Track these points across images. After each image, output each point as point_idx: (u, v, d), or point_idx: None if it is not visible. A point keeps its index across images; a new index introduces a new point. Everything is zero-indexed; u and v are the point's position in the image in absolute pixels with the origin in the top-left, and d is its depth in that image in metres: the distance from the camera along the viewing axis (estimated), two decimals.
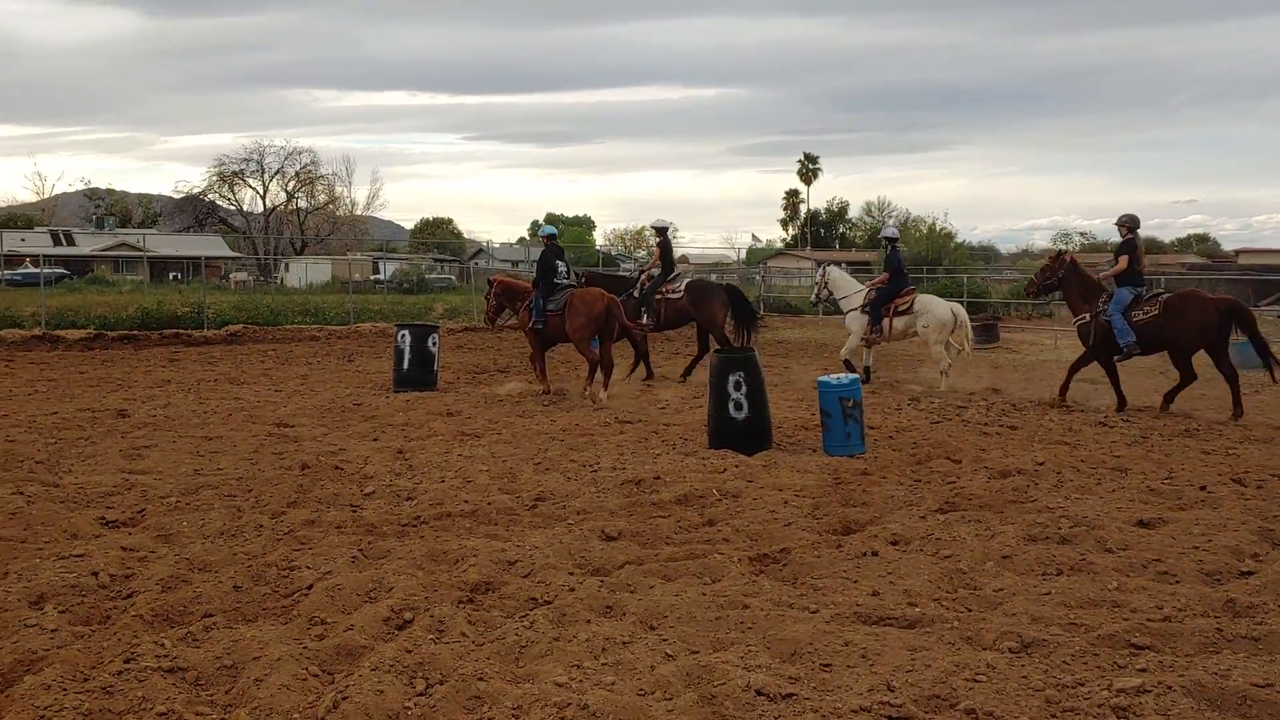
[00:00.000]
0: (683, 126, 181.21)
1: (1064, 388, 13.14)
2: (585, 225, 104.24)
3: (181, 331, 24.45)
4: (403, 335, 14.37)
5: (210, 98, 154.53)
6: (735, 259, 60.81)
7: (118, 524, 6.92)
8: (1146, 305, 12.43)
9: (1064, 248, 16.19)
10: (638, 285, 16.31)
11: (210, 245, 69.25)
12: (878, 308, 15.22)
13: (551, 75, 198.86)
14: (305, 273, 55.34)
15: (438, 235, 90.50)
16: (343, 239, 72.82)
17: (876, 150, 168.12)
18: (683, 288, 15.97)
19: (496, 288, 14.75)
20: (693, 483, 8.02)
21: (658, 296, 15.92)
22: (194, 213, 75.65)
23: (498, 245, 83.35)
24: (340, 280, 44.80)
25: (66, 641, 4.50)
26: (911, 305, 15.10)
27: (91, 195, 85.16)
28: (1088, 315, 12.80)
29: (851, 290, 15.98)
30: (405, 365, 14.30)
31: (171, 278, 54.15)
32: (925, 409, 12.71)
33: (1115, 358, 12.67)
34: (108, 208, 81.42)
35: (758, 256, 72.88)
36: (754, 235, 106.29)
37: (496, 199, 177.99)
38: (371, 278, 54.34)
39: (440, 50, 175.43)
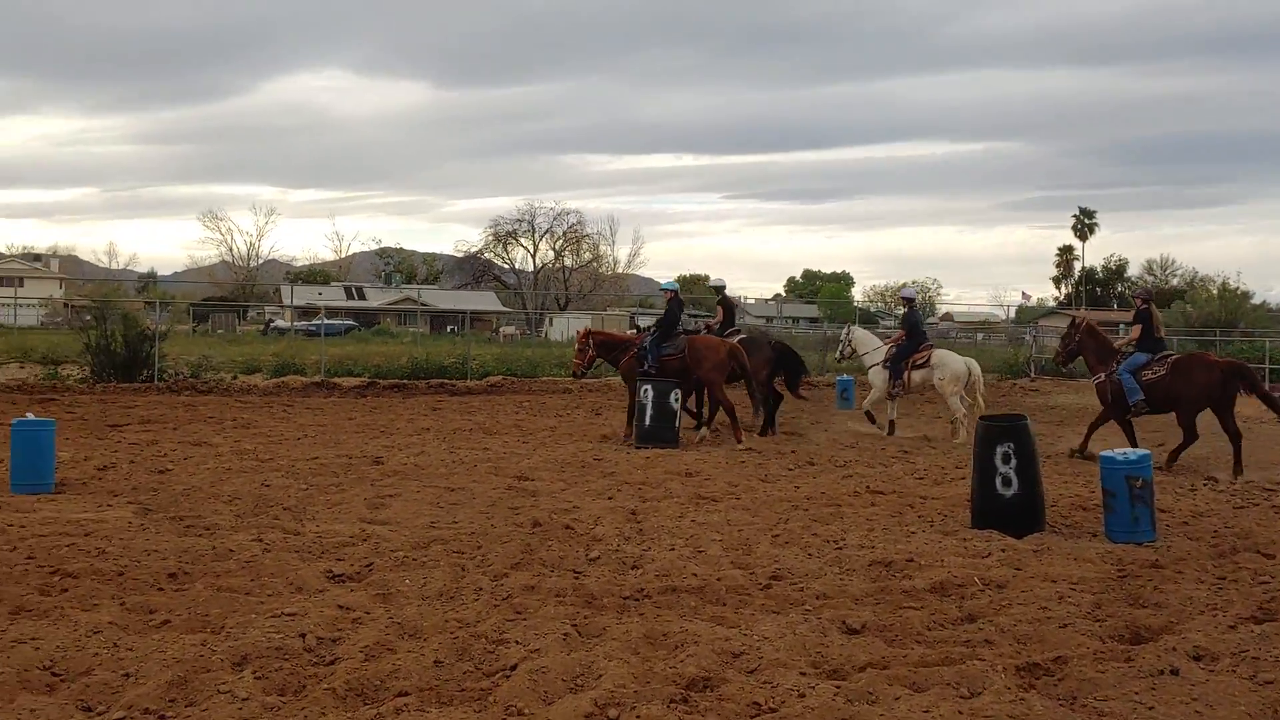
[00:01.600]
0: (947, 182, 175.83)
1: (1083, 444, 13.73)
2: (844, 281, 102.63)
3: (446, 381, 25.41)
4: (645, 390, 14.05)
5: (492, 163, 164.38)
6: (1004, 317, 57.78)
7: (343, 578, 6.79)
8: (1156, 366, 13.27)
9: (1075, 315, 18.25)
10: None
11: (484, 300, 73.05)
12: (897, 363, 16.38)
13: (813, 133, 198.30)
14: (567, 327, 57.06)
15: (695, 291, 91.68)
16: (604, 295, 74.90)
17: (1159, 205, 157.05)
18: (734, 341, 16.54)
19: (593, 339, 15.77)
20: (951, 568, 7.09)
21: None
22: (471, 270, 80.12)
23: (751, 301, 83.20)
24: None
25: (254, 714, 4.24)
26: (929, 360, 16.31)
27: (382, 254, 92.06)
28: (1103, 375, 13.74)
29: (873, 347, 17.33)
30: (647, 421, 13.96)
31: (449, 330, 57.31)
32: (1225, 491, 11.05)
33: (1127, 415, 13.48)
34: (395, 265, 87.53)
35: (1028, 315, 69.05)
36: (1024, 293, 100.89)
37: (753, 256, 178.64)
38: (629, 331, 55.47)
39: (706, 113, 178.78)
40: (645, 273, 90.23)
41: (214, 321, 62.41)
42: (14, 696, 4.39)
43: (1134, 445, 12.32)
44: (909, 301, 18.34)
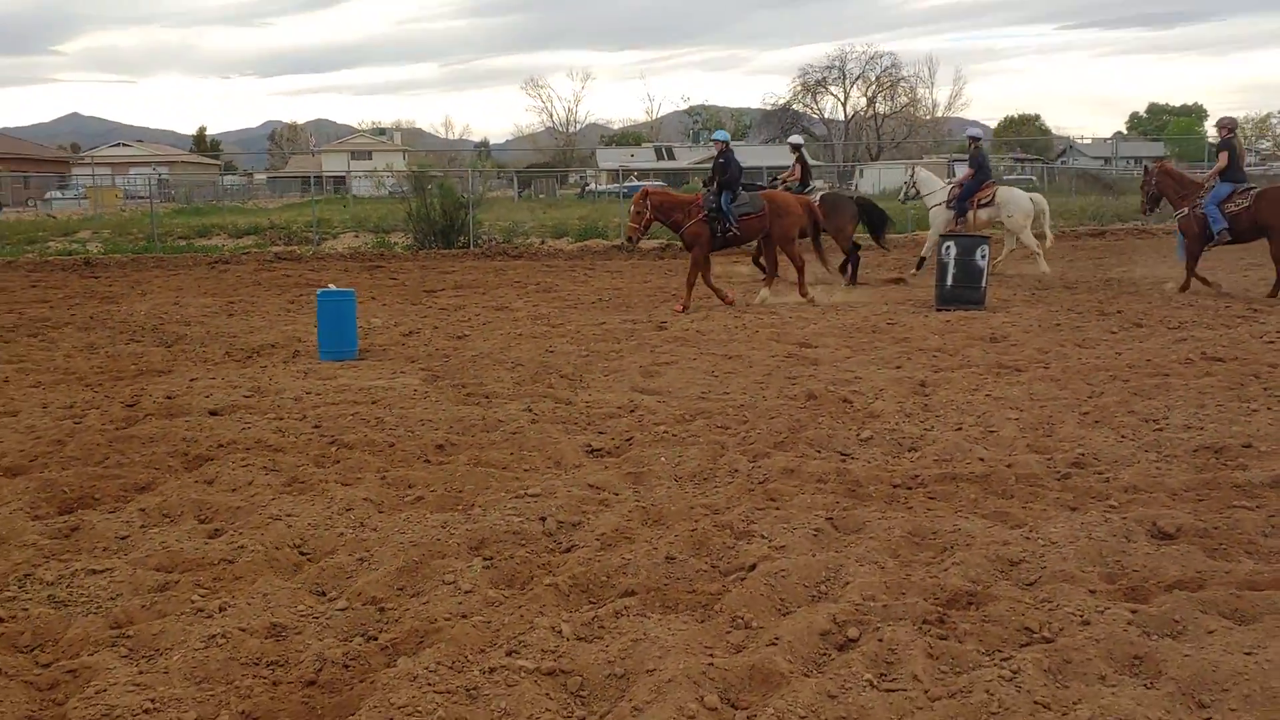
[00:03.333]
0: None
1: (1186, 282, 14.06)
2: (1195, 115, 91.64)
3: None
4: (946, 248, 12.91)
5: (803, 8, 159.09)
6: None
7: (602, 452, 6.60)
8: (1240, 198, 13.43)
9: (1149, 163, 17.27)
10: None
11: (789, 155, 71.39)
12: (963, 202, 16.44)
13: None
14: (879, 178, 54.71)
15: (1023, 133, 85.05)
16: (920, 141, 71.07)
17: None
18: (817, 200, 16.38)
19: (652, 199, 13.99)
20: None
21: None
22: (779, 123, 78.39)
23: (1088, 141, 76.08)
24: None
25: (472, 610, 4.05)
26: (993, 198, 16.40)
27: (690, 113, 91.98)
28: (1186, 209, 13.99)
29: (936, 187, 17.31)
30: (949, 280, 12.86)
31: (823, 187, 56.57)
32: None
33: (1208, 245, 13.92)
34: (704, 123, 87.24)
35: None
36: None
37: (1093, 91, 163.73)
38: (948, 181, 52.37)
39: None
40: (970, 114, 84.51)
41: (535, 187, 65.10)
42: (259, 575, 4.47)
43: (1191, 274, 14.00)
44: (975, 140, 18.02)
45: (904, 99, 75.71)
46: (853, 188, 18.12)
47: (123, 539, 4.97)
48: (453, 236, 24.05)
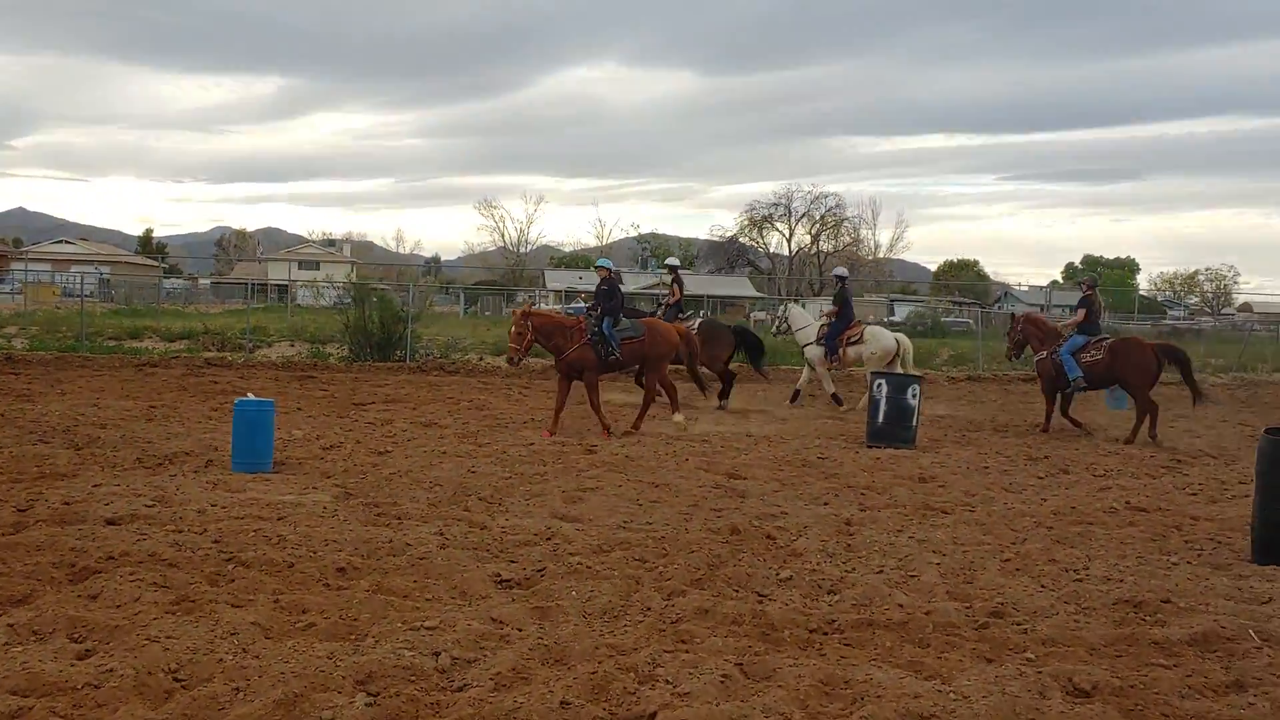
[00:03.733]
0: (1256, 160, 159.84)
1: (1045, 426, 15.27)
2: (1128, 269, 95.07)
3: (679, 368, 24.91)
4: (879, 385, 12.99)
5: (755, 148, 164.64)
6: None
7: (511, 583, 6.33)
8: (1093, 349, 14.79)
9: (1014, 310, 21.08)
10: (659, 312, 17.95)
11: (737, 285, 72.65)
12: (832, 340, 17.46)
13: (1102, 110, 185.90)
14: (817, 313, 55.66)
15: (961, 277, 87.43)
16: (862, 281, 72.73)
17: None
18: (696, 326, 17.45)
19: (533, 320, 13.68)
20: (1219, 615, 5.82)
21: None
22: (726, 255, 79.93)
23: (1025, 288, 78.40)
24: None
25: None
26: (861, 336, 17.40)
27: (640, 239, 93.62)
28: (1045, 353, 15.22)
29: (807, 324, 18.24)
30: (880, 418, 12.89)
31: (701, 314, 57.23)
32: None
33: (1065, 390, 15.13)
34: (652, 250, 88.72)
35: None
36: None
37: (1030, 241, 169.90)
38: (886, 319, 53.34)
39: (983, 90, 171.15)
40: (909, 258, 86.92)
41: (483, 304, 65.21)
42: (123, 703, 4.14)
43: (1049, 416, 15.27)
44: (841, 279, 19.17)
45: (847, 238, 77.75)
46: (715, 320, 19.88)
47: None
48: (389, 350, 23.82)
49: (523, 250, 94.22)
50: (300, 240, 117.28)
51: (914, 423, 13.03)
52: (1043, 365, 15.36)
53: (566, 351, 13.48)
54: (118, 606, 5.46)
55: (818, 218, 75.73)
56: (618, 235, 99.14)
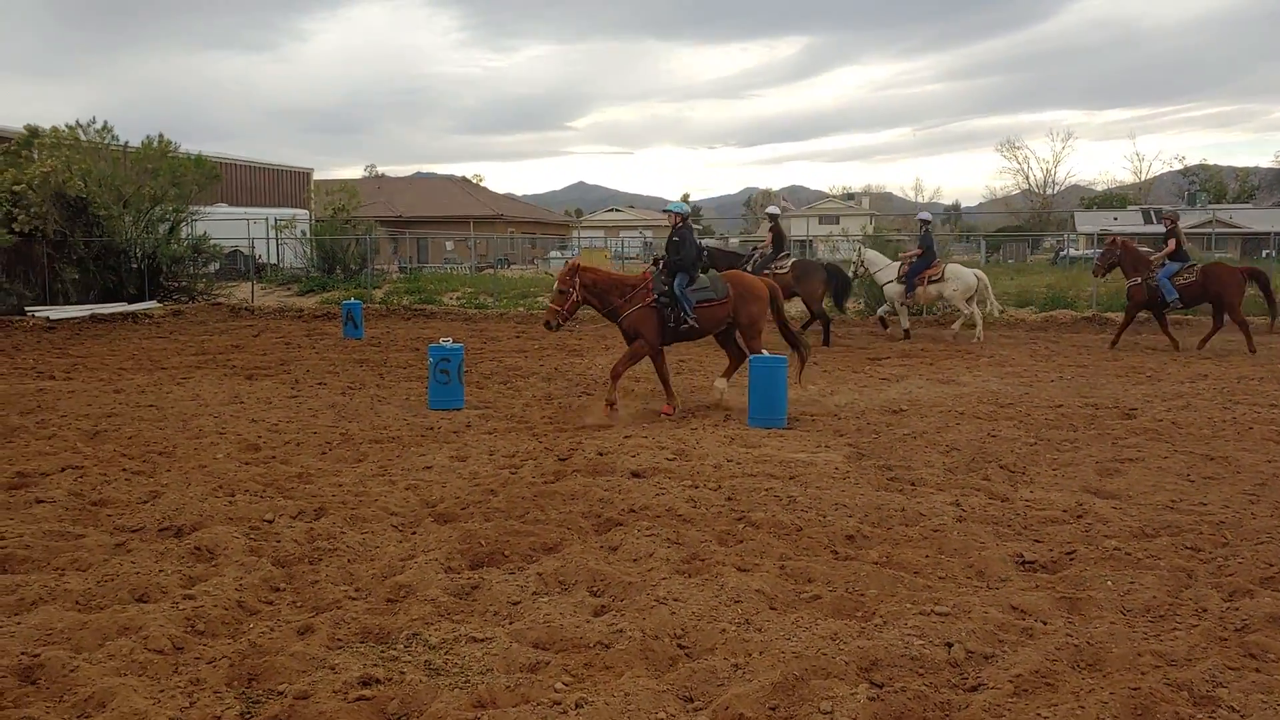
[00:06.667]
0: None
1: (1115, 340, 17.58)
2: None
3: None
4: None
5: None
6: None
7: (1034, 566, 5.70)
8: (1186, 273, 16.77)
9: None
10: (750, 261, 18.36)
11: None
12: (912, 278, 18.74)
13: None
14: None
15: None
16: None
17: None
18: (788, 265, 18.41)
19: (584, 277, 11.01)
20: None
21: (766, 272, 17.27)
22: None
23: None
24: None
25: None
26: (942, 274, 18.70)
27: (1185, 173, 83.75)
28: (1139, 279, 17.05)
29: (884, 264, 19.57)
30: None
31: (1264, 254, 49.75)
32: None
33: (1164, 310, 17.25)
34: (1201, 183, 78.99)
35: None
36: None
37: None
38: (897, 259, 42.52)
39: None
40: None
41: (1004, 251, 62.14)
42: (629, 667, 4.21)
43: (1170, 334, 17.32)
44: (925, 223, 20.03)
45: None
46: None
47: (514, 605, 4.96)
48: None
49: (1049, 192, 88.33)
50: (821, 196, 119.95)
51: None
52: (1135, 290, 17.17)
53: (624, 314, 11.13)
54: (634, 561, 5.66)
55: None
56: (1158, 169, 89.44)
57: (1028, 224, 75.77)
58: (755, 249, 19.81)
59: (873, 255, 20.40)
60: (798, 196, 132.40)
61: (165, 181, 26.40)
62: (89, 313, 23.34)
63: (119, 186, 25.71)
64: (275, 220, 32.02)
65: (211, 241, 28.01)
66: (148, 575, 5.39)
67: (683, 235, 11.29)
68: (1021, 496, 7.22)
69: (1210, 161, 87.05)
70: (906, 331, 19.23)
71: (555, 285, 11.17)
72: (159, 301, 25.72)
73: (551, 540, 6.06)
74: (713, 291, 11.23)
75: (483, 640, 4.44)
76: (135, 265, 26.00)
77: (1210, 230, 61.90)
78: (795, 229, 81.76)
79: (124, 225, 25.84)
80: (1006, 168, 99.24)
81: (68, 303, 24.34)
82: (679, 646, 4.48)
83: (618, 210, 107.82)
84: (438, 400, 11.20)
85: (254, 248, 30.97)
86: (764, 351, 10.90)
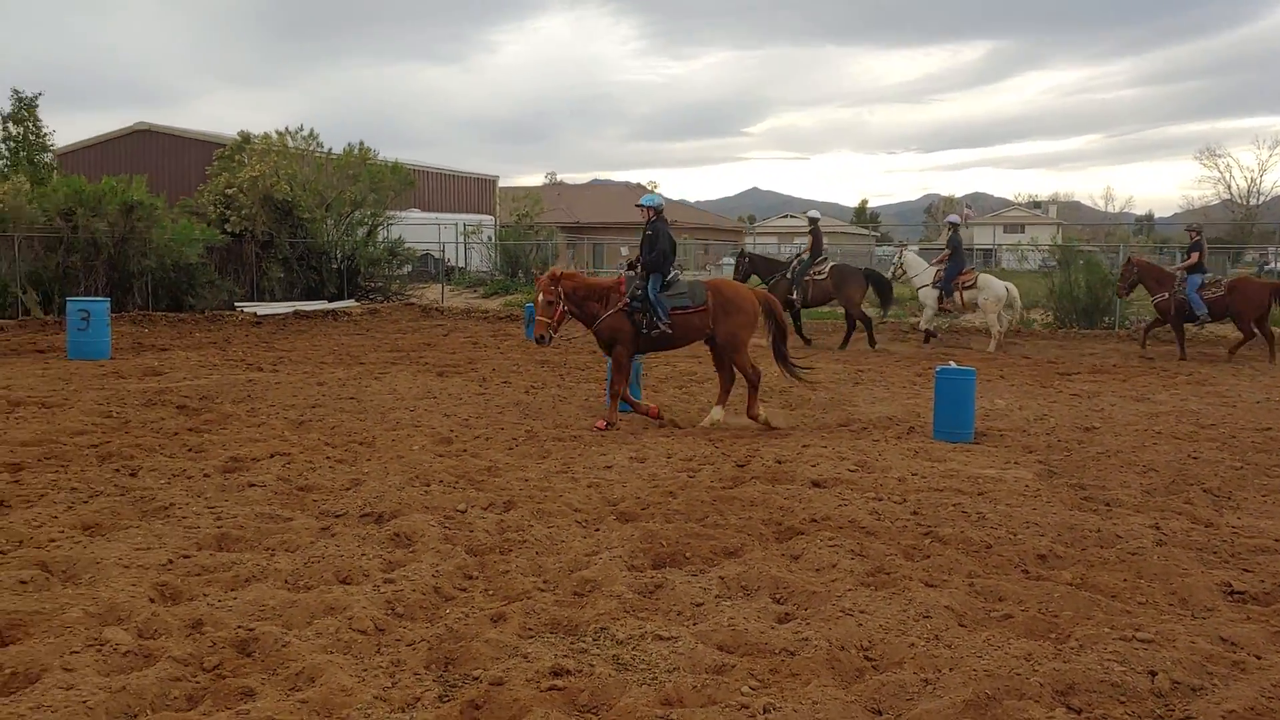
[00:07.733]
0: None
1: (1143, 343, 18.52)
2: None
3: None
4: None
5: None
6: None
7: (1245, 597, 5.38)
8: (1212, 287, 17.28)
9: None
10: (790, 268, 18.96)
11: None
12: (948, 283, 18.86)
13: None
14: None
15: None
16: None
17: None
18: (827, 270, 18.73)
19: (565, 285, 10.46)
20: None
21: (806, 278, 18.62)
22: None
23: None
24: None
25: None
26: (975, 282, 18.74)
27: None
28: (1165, 294, 17.55)
29: (921, 269, 19.70)
30: None
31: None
32: None
33: (1192, 324, 17.89)
34: None
35: None
36: None
37: None
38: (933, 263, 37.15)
39: None
40: None
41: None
42: (815, 676, 4.19)
43: (1183, 345, 17.78)
44: (954, 226, 19.89)
45: None
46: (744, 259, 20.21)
47: (697, 606, 5.02)
48: (1096, 316, 22.32)
49: (1253, 202, 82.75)
50: (1005, 204, 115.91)
51: None
52: (1163, 305, 17.68)
53: (600, 319, 10.47)
54: (816, 570, 5.64)
55: None
56: None
57: (1228, 235, 71.34)
58: (796, 256, 19.90)
59: (911, 259, 20.45)
60: (981, 204, 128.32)
61: (365, 187, 27.83)
62: (292, 309, 24.79)
63: (322, 191, 27.24)
64: (464, 225, 33.24)
65: (405, 245, 29.33)
66: (351, 559, 5.71)
67: (656, 230, 10.55)
68: (1228, 522, 6.83)
69: None
70: (927, 335, 19.70)
71: (540, 297, 10.47)
72: (356, 300, 27.09)
73: (732, 545, 6.09)
74: (689, 298, 10.47)
75: (668, 639, 4.51)
76: (335, 266, 27.46)
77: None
78: (979, 237, 79.32)
79: (326, 228, 27.34)
80: (1205, 177, 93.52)
81: (273, 300, 25.91)
82: (866, 658, 4.44)
83: (791, 216, 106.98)
84: None
85: (444, 251, 32.24)
86: (750, 368, 10.40)
